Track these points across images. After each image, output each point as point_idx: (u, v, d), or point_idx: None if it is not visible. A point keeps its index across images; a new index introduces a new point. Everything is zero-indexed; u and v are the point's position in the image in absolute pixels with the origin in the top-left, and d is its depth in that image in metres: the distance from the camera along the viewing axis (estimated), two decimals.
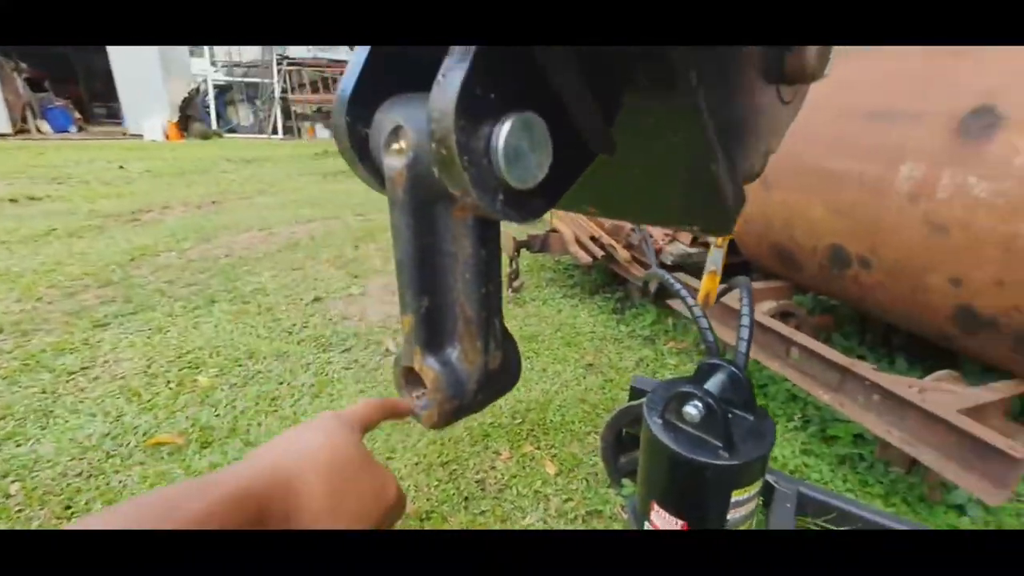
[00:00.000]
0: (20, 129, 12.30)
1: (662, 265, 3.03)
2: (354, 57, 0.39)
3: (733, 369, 1.12)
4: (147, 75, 13.15)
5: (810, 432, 2.17)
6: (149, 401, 2.27)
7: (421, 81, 0.33)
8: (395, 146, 0.36)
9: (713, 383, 1.12)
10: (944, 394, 1.76)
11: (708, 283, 1.73)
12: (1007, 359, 1.87)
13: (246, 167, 9.07)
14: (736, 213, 0.41)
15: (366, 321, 3.15)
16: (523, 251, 3.50)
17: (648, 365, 2.77)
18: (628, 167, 0.42)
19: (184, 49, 14.27)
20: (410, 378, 0.46)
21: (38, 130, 12.66)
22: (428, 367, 0.43)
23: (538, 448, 2.10)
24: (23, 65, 12.61)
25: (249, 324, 3.02)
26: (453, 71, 0.29)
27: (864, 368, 1.85)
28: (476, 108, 0.29)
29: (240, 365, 2.59)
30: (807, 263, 2.43)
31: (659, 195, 0.46)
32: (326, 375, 2.55)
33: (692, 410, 1.03)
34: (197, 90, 14.54)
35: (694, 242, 3.11)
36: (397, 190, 0.37)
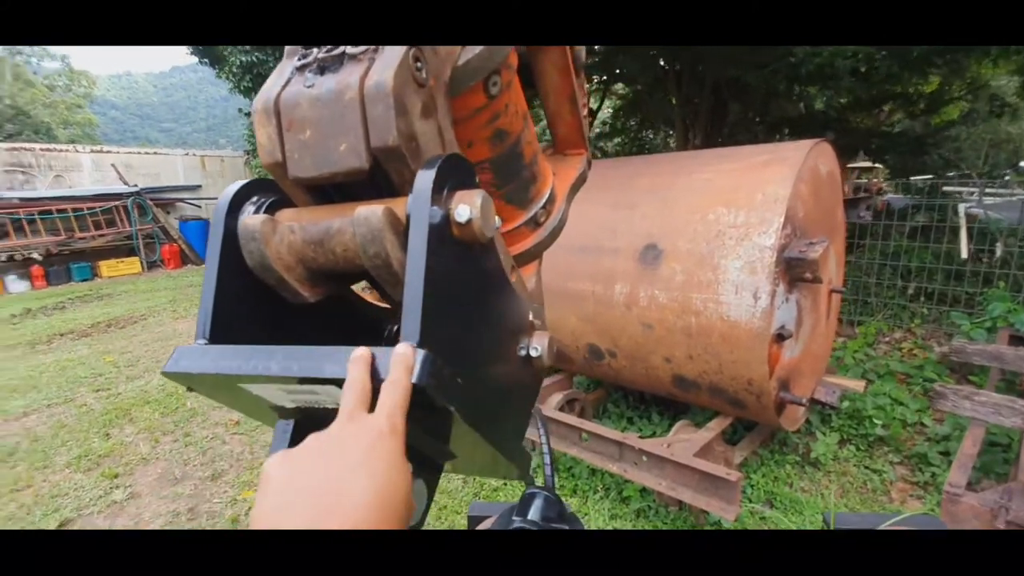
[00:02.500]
0: None
1: None
2: None
3: (546, 493, 1.44)
4: None
5: (611, 498, 2.65)
6: None
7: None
8: None
9: (535, 510, 1.41)
10: (683, 444, 2.41)
11: None
12: (710, 403, 2.66)
13: None
14: (525, 467, 0.70)
15: None
16: None
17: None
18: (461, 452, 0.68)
19: None
20: None
21: None
22: None
23: None
24: None
25: None
26: None
27: (633, 439, 2.41)
28: None
29: None
30: (575, 358, 3.05)
31: (478, 460, 0.73)
32: None
33: None
34: None
35: None
36: None
